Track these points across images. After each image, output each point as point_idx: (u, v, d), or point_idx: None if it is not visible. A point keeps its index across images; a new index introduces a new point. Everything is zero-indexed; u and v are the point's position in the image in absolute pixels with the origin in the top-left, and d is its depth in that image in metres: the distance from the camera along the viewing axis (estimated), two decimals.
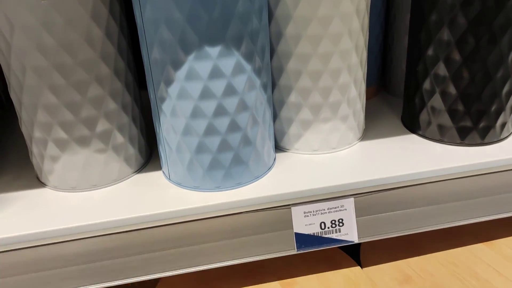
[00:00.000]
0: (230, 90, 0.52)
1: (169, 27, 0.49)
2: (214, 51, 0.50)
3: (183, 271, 0.56)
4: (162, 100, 0.54)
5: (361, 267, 0.66)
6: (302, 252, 0.57)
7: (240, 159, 0.56)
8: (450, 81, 0.61)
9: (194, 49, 0.50)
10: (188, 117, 0.53)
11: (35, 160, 0.59)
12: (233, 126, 0.54)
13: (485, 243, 0.69)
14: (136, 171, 0.62)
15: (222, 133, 0.54)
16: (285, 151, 0.64)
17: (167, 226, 0.54)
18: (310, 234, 0.57)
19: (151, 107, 0.57)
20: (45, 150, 0.57)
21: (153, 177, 0.61)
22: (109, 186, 0.59)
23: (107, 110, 0.57)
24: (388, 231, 0.60)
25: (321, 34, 0.57)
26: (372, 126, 0.70)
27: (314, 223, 0.57)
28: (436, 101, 0.63)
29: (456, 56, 0.59)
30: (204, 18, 0.49)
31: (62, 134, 0.56)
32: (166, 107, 0.54)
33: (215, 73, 0.51)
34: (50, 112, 0.55)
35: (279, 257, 0.63)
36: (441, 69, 0.61)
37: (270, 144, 0.59)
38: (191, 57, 0.50)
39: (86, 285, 0.55)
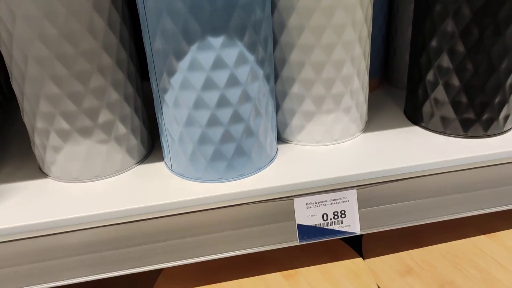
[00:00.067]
0: (233, 81, 0.52)
1: (172, 17, 0.49)
2: (217, 41, 0.50)
3: (185, 261, 0.56)
4: (165, 90, 0.54)
5: (363, 259, 0.66)
6: (304, 243, 0.57)
7: (243, 151, 0.56)
8: (454, 72, 0.60)
9: (197, 40, 0.50)
10: (190, 108, 0.53)
11: (37, 150, 0.59)
12: (236, 117, 0.54)
13: (487, 235, 0.69)
14: (138, 162, 0.62)
15: (224, 124, 0.54)
16: (288, 143, 0.64)
17: (169, 217, 0.54)
18: (313, 226, 0.57)
19: (154, 98, 0.57)
20: (47, 140, 0.57)
21: (156, 168, 0.60)
22: (112, 177, 0.59)
23: (109, 101, 0.56)
24: (390, 223, 0.60)
25: (324, 25, 0.56)
26: (375, 118, 0.70)
27: (316, 215, 0.57)
28: (440, 92, 0.63)
29: (460, 48, 0.59)
30: (207, 8, 0.48)
31: (64, 125, 0.56)
32: (168, 97, 0.54)
33: (218, 64, 0.51)
34: (52, 102, 0.54)
35: (281, 249, 0.63)
36: (445, 61, 0.61)
37: (272, 135, 0.59)
38: (193, 48, 0.50)
39: (88, 275, 0.55)
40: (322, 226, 0.57)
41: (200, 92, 0.52)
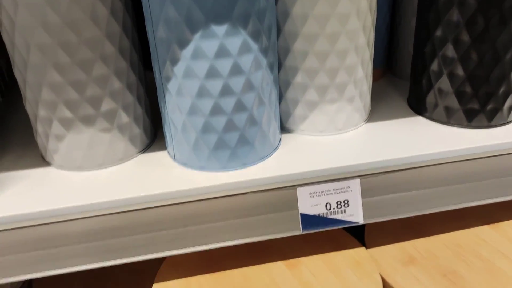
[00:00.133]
0: (236, 70, 0.52)
1: (175, 5, 0.49)
2: (220, 29, 0.50)
3: (188, 250, 0.56)
4: (168, 79, 0.54)
5: (366, 249, 0.66)
6: (307, 232, 0.57)
7: (246, 140, 0.56)
8: (458, 62, 0.60)
9: (200, 28, 0.49)
10: (194, 96, 0.53)
11: (39, 139, 0.59)
12: (239, 106, 0.54)
13: (490, 225, 0.69)
14: (141, 151, 0.62)
15: (228, 113, 0.54)
16: (291, 132, 0.64)
17: (172, 206, 0.54)
18: (316, 215, 0.57)
19: (156, 86, 0.57)
20: (50, 129, 0.57)
21: (158, 157, 0.60)
22: (114, 165, 0.59)
23: (112, 89, 0.56)
24: (393, 213, 0.60)
25: (328, 14, 0.56)
26: (378, 108, 0.70)
27: (319, 204, 0.57)
28: (444, 82, 0.62)
29: (465, 37, 0.59)
30: None
31: (67, 113, 0.55)
32: (171, 86, 0.54)
33: (222, 52, 0.51)
34: (55, 90, 0.54)
35: (284, 238, 0.63)
36: (450, 50, 0.60)
37: (276, 124, 0.59)
38: (197, 36, 0.50)
39: (91, 263, 0.55)
40: (325, 216, 0.57)
41: (204, 81, 0.52)
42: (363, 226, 0.72)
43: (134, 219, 0.54)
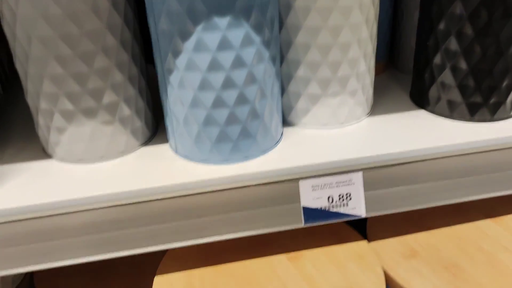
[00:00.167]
0: (238, 62, 0.52)
1: None
2: (223, 22, 0.49)
3: (190, 242, 0.56)
4: (170, 71, 0.53)
5: (368, 242, 0.66)
6: (309, 226, 0.57)
7: (248, 132, 0.55)
8: (462, 56, 0.60)
9: (203, 20, 0.49)
10: (196, 89, 0.53)
11: (41, 131, 0.59)
12: (241, 99, 0.53)
13: (492, 219, 0.69)
14: (142, 144, 0.62)
15: (230, 106, 0.53)
16: (293, 126, 0.64)
17: (174, 199, 0.54)
18: (318, 208, 0.57)
19: (158, 79, 0.57)
20: (51, 121, 0.57)
21: (160, 150, 0.60)
22: (116, 158, 0.59)
23: (113, 82, 0.56)
24: (396, 206, 0.59)
25: (331, 6, 0.56)
26: (380, 102, 0.69)
27: (321, 197, 0.56)
28: (447, 76, 0.62)
29: (468, 31, 0.58)
30: None
31: (68, 106, 0.55)
32: (173, 79, 0.53)
33: (224, 45, 0.50)
34: (57, 83, 0.54)
35: (286, 231, 0.63)
36: (453, 44, 0.60)
37: (278, 118, 0.59)
38: (199, 28, 0.50)
39: (92, 255, 0.55)
40: (327, 209, 0.57)
41: (206, 73, 0.52)
42: (365, 219, 0.72)
43: (135, 211, 0.54)
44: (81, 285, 0.72)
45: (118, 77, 0.56)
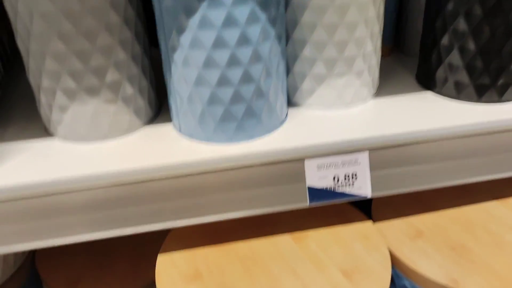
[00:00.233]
0: (244, 40, 0.51)
1: None
2: None
3: (194, 221, 0.56)
4: (174, 49, 0.53)
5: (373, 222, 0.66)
6: (314, 205, 0.57)
7: (253, 112, 0.55)
8: (470, 36, 0.59)
9: None
10: (200, 67, 0.52)
11: (43, 110, 0.58)
12: (246, 77, 0.53)
13: (499, 200, 0.69)
14: (145, 124, 0.61)
15: (235, 84, 0.53)
16: (298, 107, 0.63)
17: (177, 178, 0.53)
18: (323, 188, 0.56)
19: (162, 57, 0.56)
20: (53, 99, 0.56)
21: (164, 129, 0.60)
22: (119, 137, 0.58)
23: (116, 60, 0.55)
24: (402, 186, 0.59)
25: None
26: (386, 84, 0.69)
27: (327, 177, 0.56)
28: (454, 57, 0.61)
29: (477, 11, 0.57)
30: None
31: (71, 83, 0.54)
32: (178, 56, 0.53)
33: (229, 22, 0.50)
34: (59, 60, 0.53)
35: (290, 211, 0.63)
36: (461, 24, 0.59)
37: (283, 97, 0.58)
38: (204, 4, 0.49)
39: (95, 232, 0.54)
40: (332, 189, 0.57)
41: (210, 51, 0.51)
42: (370, 201, 0.72)
43: (138, 190, 0.53)
44: (83, 267, 0.71)
45: (121, 55, 0.55)
